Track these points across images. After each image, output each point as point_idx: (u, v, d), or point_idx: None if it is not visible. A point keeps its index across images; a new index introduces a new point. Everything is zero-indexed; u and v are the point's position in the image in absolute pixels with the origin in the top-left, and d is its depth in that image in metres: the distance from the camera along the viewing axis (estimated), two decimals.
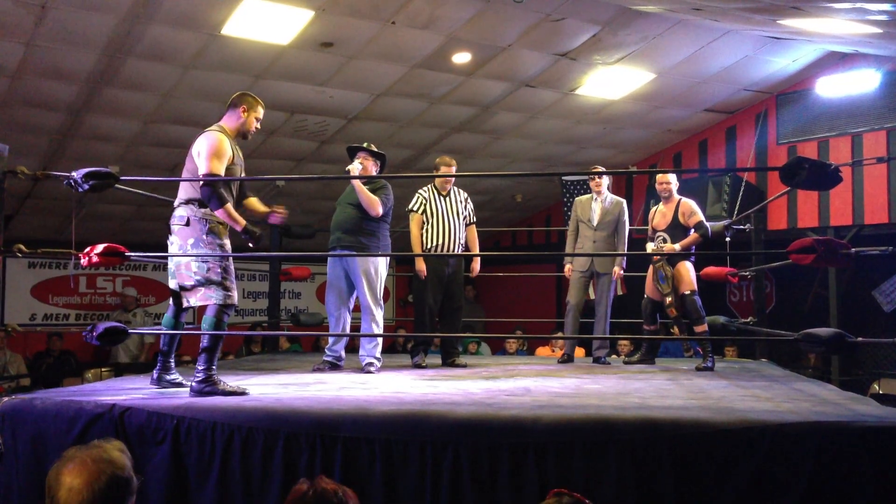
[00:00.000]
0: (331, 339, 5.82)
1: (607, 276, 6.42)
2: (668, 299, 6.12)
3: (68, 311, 10.67)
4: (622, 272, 6.57)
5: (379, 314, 5.58)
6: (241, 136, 4.35)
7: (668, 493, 3.05)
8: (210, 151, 4.11)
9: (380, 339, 5.69)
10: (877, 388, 8.00)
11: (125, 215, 9.95)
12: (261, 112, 4.41)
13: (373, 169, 5.69)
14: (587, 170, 6.69)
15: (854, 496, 2.96)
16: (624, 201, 6.62)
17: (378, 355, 5.55)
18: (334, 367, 5.63)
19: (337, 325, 5.68)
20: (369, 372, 5.36)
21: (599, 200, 6.50)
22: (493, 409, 3.51)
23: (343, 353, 5.81)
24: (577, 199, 6.75)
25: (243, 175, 4.36)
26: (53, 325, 10.35)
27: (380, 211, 5.57)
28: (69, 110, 7.52)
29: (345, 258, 5.57)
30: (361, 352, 5.57)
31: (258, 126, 4.43)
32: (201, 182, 4.07)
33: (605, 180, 6.60)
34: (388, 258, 5.83)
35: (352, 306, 5.75)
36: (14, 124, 7.46)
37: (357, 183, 5.55)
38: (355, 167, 5.57)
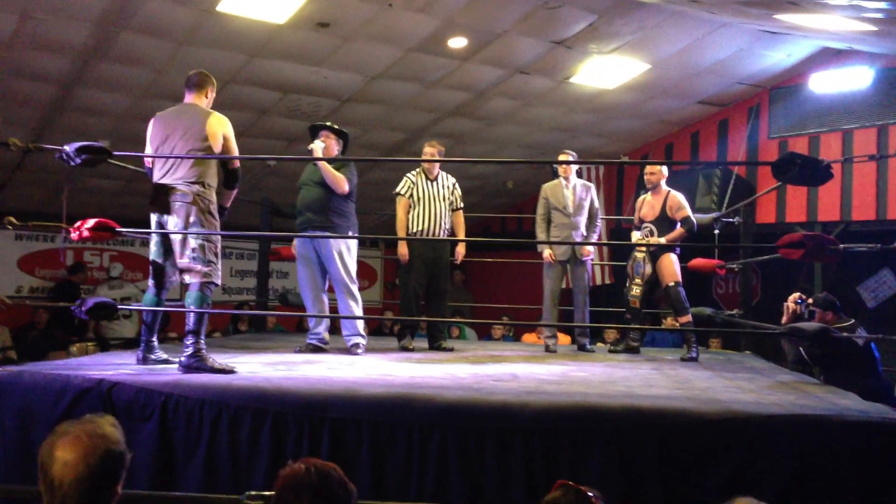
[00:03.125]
0: (311, 322, 5.72)
1: (585, 263, 6.45)
2: (636, 290, 6.17)
3: (55, 284, 10.61)
4: (593, 255, 6.63)
5: (356, 292, 5.49)
6: None
7: (651, 480, 3.09)
8: (232, 135, 4.34)
9: (362, 319, 5.61)
10: None
11: (114, 190, 9.89)
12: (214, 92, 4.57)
13: (335, 148, 5.59)
14: (577, 157, 6.65)
15: (835, 489, 3.02)
16: (592, 185, 6.63)
17: (362, 332, 5.50)
18: (317, 350, 5.50)
19: (314, 307, 5.58)
20: (356, 353, 5.33)
21: (570, 187, 6.45)
22: (481, 393, 3.54)
23: (327, 336, 5.65)
24: (544, 185, 6.62)
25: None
26: (40, 298, 10.30)
27: (346, 189, 5.45)
28: (61, 83, 7.45)
29: (316, 239, 5.43)
30: (345, 332, 5.50)
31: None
32: (235, 163, 4.37)
33: (574, 166, 6.59)
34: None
35: (326, 287, 5.63)
36: (5, 96, 7.40)
37: (323, 162, 5.43)
38: (317, 146, 5.44)
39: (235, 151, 4.34)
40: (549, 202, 6.47)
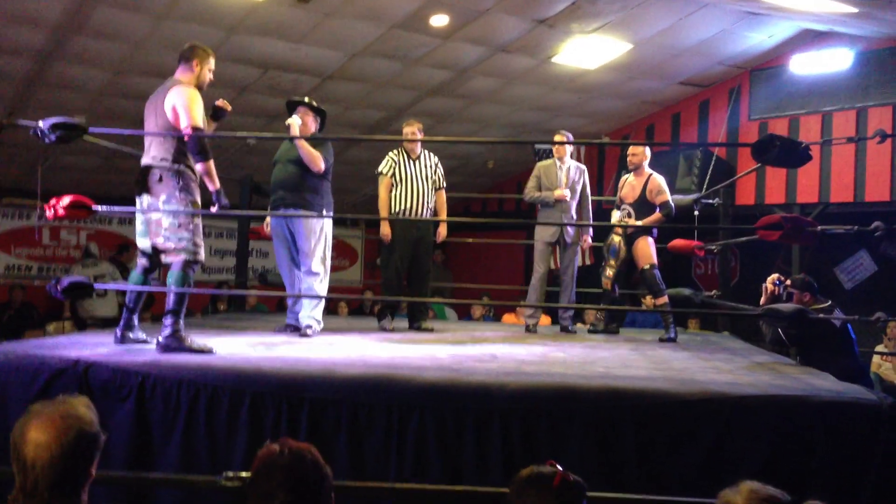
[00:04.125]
0: (289, 301, 5.64)
1: (574, 245, 6.42)
2: (609, 272, 6.19)
3: (31, 263, 10.50)
4: (591, 241, 6.58)
5: (324, 274, 5.34)
6: (198, 89, 4.27)
7: (629, 461, 3.11)
8: (190, 104, 4.07)
9: (322, 301, 5.42)
10: None
11: (92, 167, 9.77)
12: (212, 63, 4.36)
13: (312, 125, 5.48)
14: (555, 137, 6.60)
15: (810, 468, 3.05)
16: (584, 168, 6.56)
17: (319, 317, 5.31)
18: (297, 329, 5.40)
19: (291, 286, 5.50)
20: (306, 335, 5.12)
21: (564, 168, 6.38)
22: (460, 374, 3.54)
23: None
24: (539, 163, 6.56)
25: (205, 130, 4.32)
26: (15, 276, 10.18)
27: (322, 167, 5.30)
28: (36, 58, 7.32)
29: (289, 217, 5.30)
30: (302, 312, 5.30)
31: (212, 77, 4.37)
32: (187, 135, 4.04)
33: (569, 147, 6.54)
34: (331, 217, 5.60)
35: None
36: None
37: (300, 139, 5.28)
38: (294, 122, 5.30)
39: (187, 119, 4.03)
40: (542, 181, 6.41)
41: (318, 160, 5.28)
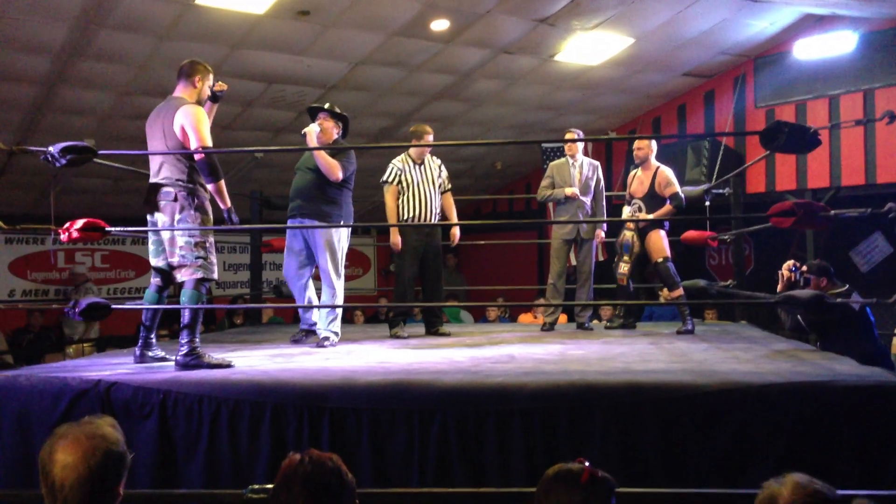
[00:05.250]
0: (300, 311, 5.59)
1: (590, 241, 6.41)
2: (623, 268, 6.17)
3: (47, 287, 10.58)
4: (604, 236, 6.58)
5: (340, 286, 5.25)
6: (199, 104, 4.29)
7: (652, 455, 3.10)
8: (198, 124, 4.09)
9: (339, 312, 5.28)
10: None
11: (102, 189, 9.84)
12: (212, 78, 4.39)
13: (334, 131, 5.35)
14: (564, 134, 6.59)
15: (833, 454, 3.03)
16: (598, 164, 6.53)
17: (336, 329, 5.21)
18: (311, 333, 5.40)
19: (301, 294, 5.42)
20: (323, 346, 5.06)
21: (576, 165, 6.36)
22: (479, 376, 3.55)
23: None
24: (551, 163, 6.55)
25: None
26: (33, 300, 10.27)
27: (340, 176, 5.18)
28: (42, 83, 7.39)
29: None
30: (319, 324, 5.24)
31: (210, 93, 4.40)
32: (198, 157, 4.06)
33: (580, 143, 6.52)
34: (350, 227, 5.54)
35: (312, 273, 5.46)
36: None
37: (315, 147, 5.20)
38: (313, 129, 5.21)
39: (197, 139, 4.05)
40: (555, 180, 6.39)
41: (334, 169, 5.16)
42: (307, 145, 5.23)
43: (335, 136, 5.39)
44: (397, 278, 6.08)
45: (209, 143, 4.11)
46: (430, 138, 5.94)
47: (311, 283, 5.48)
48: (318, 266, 5.29)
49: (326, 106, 5.44)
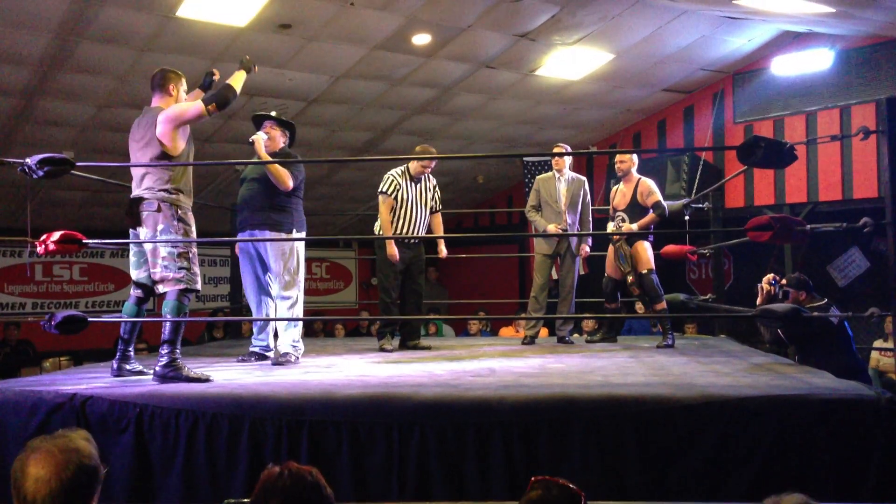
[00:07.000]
0: (255, 329, 5.35)
1: (573, 255, 6.42)
2: (631, 278, 6.19)
3: (24, 300, 10.47)
4: (588, 250, 6.57)
5: (297, 296, 5.04)
6: None
7: (631, 467, 3.10)
8: (178, 107, 4.17)
9: (300, 324, 5.09)
10: None
11: (81, 201, 9.77)
12: (185, 84, 4.40)
13: (280, 140, 5.20)
14: (548, 149, 6.63)
15: (810, 467, 3.05)
16: (585, 179, 6.57)
17: (297, 340, 5.01)
18: (262, 358, 5.12)
19: (258, 310, 5.21)
20: (283, 363, 4.85)
21: (563, 180, 6.39)
22: (459, 389, 3.54)
23: (272, 343, 5.19)
24: (538, 177, 6.60)
25: (192, 158, 4.32)
26: (9, 314, 10.15)
27: (290, 185, 4.99)
28: (21, 94, 7.34)
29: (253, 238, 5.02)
30: (280, 338, 5.01)
31: (185, 98, 4.40)
32: (198, 107, 4.16)
33: (567, 158, 6.56)
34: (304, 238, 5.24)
35: (269, 286, 5.20)
36: None
37: (263, 155, 5.02)
38: (260, 137, 5.04)
39: (194, 109, 4.16)
40: (541, 195, 6.42)
41: (285, 178, 4.98)
42: (255, 153, 5.08)
43: (281, 145, 5.25)
44: (380, 292, 6.06)
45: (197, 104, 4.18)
46: (431, 162, 5.92)
47: (270, 300, 5.21)
48: (271, 272, 5.08)
49: (273, 114, 5.33)
